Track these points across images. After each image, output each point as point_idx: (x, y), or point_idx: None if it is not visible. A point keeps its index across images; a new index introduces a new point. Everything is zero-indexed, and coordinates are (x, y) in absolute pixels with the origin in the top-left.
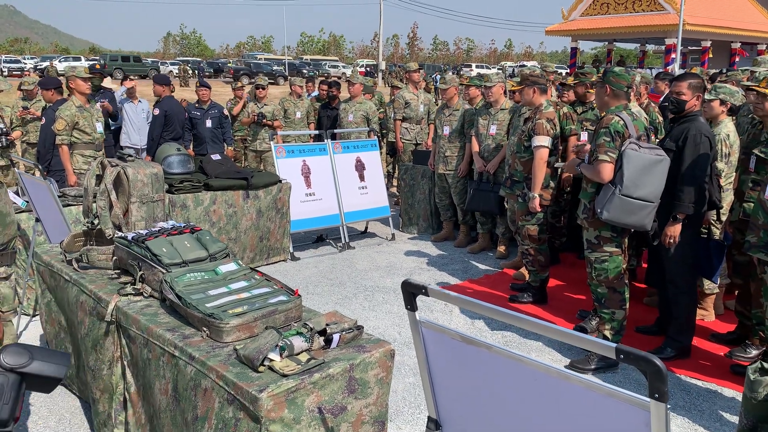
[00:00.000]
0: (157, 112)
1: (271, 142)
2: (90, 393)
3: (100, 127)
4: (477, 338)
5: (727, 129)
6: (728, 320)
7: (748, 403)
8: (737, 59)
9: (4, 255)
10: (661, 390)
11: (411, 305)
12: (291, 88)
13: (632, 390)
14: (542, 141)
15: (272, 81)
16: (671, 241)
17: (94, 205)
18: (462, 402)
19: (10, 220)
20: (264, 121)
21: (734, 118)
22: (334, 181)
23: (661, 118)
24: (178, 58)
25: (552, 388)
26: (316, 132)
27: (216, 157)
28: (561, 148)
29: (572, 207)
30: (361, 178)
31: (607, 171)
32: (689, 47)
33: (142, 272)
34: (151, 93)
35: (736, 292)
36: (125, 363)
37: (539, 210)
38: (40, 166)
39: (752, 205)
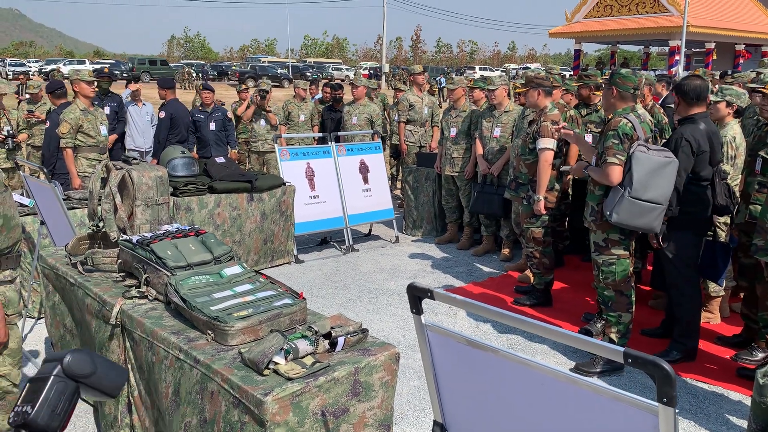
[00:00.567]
0: (162, 115)
1: (275, 145)
2: None
3: (104, 130)
4: (483, 342)
5: (734, 131)
6: (734, 323)
7: (758, 408)
8: (741, 61)
9: (9, 258)
10: (669, 394)
11: (417, 309)
12: (295, 91)
13: (638, 393)
14: (547, 143)
15: (276, 84)
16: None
17: (98, 208)
18: (468, 406)
19: (14, 223)
20: (265, 102)
21: (740, 120)
22: (338, 183)
23: (666, 120)
24: (182, 61)
25: (559, 393)
26: (320, 134)
27: (220, 159)
28: (565, 150)
29: (573, 210)
30: (365, 180)
31: (616, 173)
32: (693, 49)
33: (146, 275)
34: (157, 96)
35: (742, 295)
36: (130, 366)
37: (544, 212)
38: (44, 169)
39: (758, 207)
